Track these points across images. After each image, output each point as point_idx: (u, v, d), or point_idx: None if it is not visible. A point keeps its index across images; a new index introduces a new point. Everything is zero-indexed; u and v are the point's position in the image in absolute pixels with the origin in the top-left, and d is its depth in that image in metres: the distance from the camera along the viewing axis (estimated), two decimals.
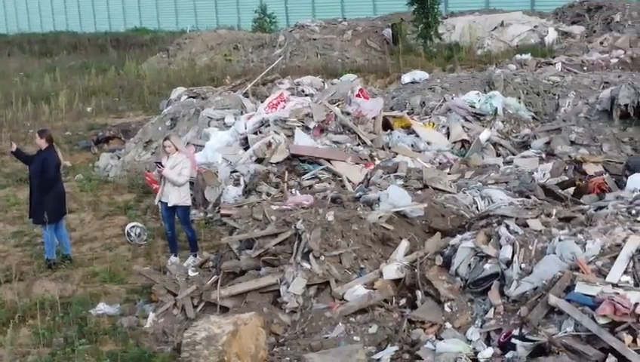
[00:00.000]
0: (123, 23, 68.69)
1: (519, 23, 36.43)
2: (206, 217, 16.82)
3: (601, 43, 30.55)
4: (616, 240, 10.47)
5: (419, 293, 11.34)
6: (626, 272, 9.80)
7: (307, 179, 17.08)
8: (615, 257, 10.07)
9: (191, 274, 13.31)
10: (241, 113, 20.97)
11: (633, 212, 11.45)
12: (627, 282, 9.65)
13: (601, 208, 12.27)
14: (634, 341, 8.85)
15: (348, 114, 19.60)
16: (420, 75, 25.69)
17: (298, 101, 20.65)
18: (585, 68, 26.00)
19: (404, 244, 12.43)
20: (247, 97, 23.45)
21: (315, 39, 38.71)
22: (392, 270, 11.87)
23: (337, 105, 19.89)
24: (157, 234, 16.22)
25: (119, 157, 22.11)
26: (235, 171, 17.71)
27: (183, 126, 21.56)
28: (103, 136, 25.08)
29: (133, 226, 16.32)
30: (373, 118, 19.57)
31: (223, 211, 15.66)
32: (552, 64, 26.58)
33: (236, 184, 17.29)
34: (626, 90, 18.43)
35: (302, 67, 33.94)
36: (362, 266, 12.18)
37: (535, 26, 35.84)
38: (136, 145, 22.18)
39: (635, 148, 17.89)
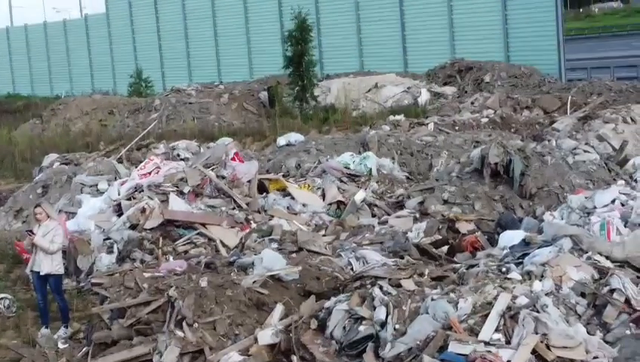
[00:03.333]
0: None
1: (393, 84, 37.08)
2: (78, 286, 16.40)
3: (472, 103, 31.24)
4: (488, 298, 10.61)
5: (294, 358, 11.25)
6: (497, 330, 9.93)
7: (182, 245, 16.84)
8: (486, 315, 10.19)
9: (61, 346, 12.95)
10: (115, 179, 20.67)
11: (503, 269, 11.63)
12: (499, 340, 9.78)
13: (472, 266, 12.45)
14: None
15: (223, 178, 19.47)
16: (295, 137, 25.82)
17: (172, 166, 20.46)
18: (457, 128, 26.54)
19: (279, 308, 12.33)
20: (121, 163, 23.16)
21: (191, 103, 38.51)
22: (266, 335, 11.74)
23: (212, 169, 19.76)
24: (27, 305, 15.70)
25: None
26: (108, 238, 17.34)
27: (55, 193, 21.12)
28: None
29: (2, 298, 15.77)
30: (249, 181, 19.50)
31: (94, 280, 15.26)
32: (424, 124, 27.03)
33: (109, 251, 16.91)
34: (495, 149, 18.81)
35: (178, 131, 33.67)
36: (237, 332, 12.03)
37: (408, 87, 36.52)
38: (7, 213, 21.64)
39: (505, 206, 18.25)
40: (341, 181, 20.67)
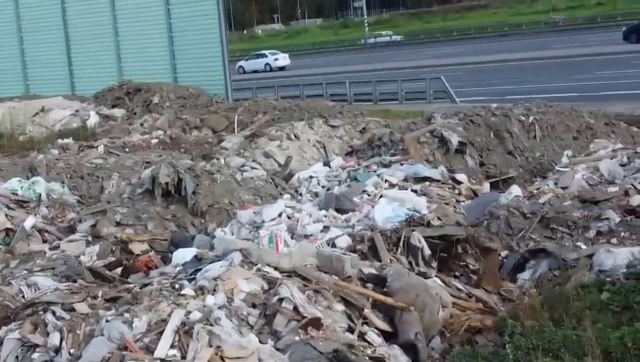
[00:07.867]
0: None
1: (60, 107, 36.50)
2: None
3: (142, 124, 31.35)
4: (162, 316, 10.70)
5: None
6: (172, 346, 10.04)
7: None
8: (162, 332, 10.30)
9: None
10: None
11: (177, 286, 11.80)
12: (174, 356, 9.88)
13: (146, 285, 12.51)
14: None
15: None
16: None
17: None
18: (127, 149, 26.53)
19: None
20: None
21: None
22: None
23: None
24: None
25: None
26: None
27: None
28: None
29: None
30: None
31: None
32: (94, 147, 26.79)
33: None
34: (165, 169, 18.99)
35: None
36: None
37: (77, 110, 36.08)
38: None
39: (178, 225, 18.44)
40: (9, 208, 20.03)
